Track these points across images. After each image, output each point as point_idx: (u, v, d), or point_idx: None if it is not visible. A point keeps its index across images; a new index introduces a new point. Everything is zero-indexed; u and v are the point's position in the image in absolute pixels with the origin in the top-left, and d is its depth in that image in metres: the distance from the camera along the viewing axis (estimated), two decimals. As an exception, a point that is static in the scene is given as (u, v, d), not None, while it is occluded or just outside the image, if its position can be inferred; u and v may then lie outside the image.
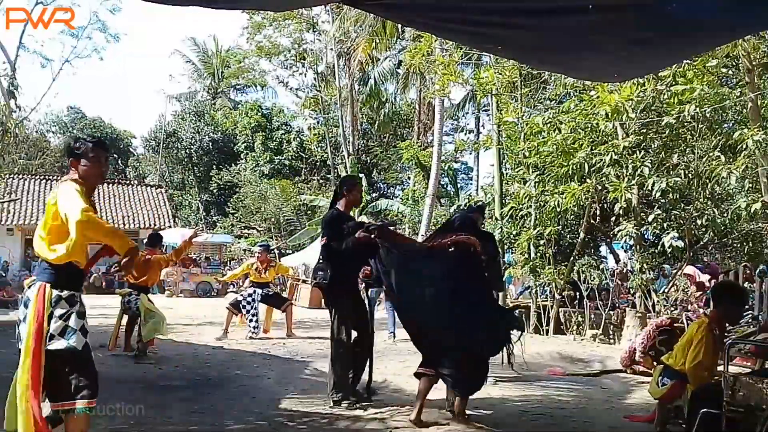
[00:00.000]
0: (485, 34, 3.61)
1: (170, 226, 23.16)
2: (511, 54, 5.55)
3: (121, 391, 4.83)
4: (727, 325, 4.33)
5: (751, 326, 5.66)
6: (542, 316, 9.93)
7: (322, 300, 5.17)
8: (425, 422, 4.28)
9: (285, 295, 13.41)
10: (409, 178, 27.57)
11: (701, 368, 3.90)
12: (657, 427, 4.26)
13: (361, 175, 25.08)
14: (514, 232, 10.49)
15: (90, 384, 2.90)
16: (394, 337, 8.94)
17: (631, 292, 9.38)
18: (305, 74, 32.98)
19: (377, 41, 22.87)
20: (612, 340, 9.09)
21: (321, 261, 4.94)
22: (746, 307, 5.75)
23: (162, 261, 7.37)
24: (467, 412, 4.52)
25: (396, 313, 4.95)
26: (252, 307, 8.96)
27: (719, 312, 4.11)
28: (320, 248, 5.05)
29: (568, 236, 11.17)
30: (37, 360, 2.85)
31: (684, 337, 4.18)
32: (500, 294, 6.70)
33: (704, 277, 9.81)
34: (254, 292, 9.04)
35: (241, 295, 9.33)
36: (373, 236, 4.53)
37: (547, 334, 9.66)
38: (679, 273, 9.20)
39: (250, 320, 8.94)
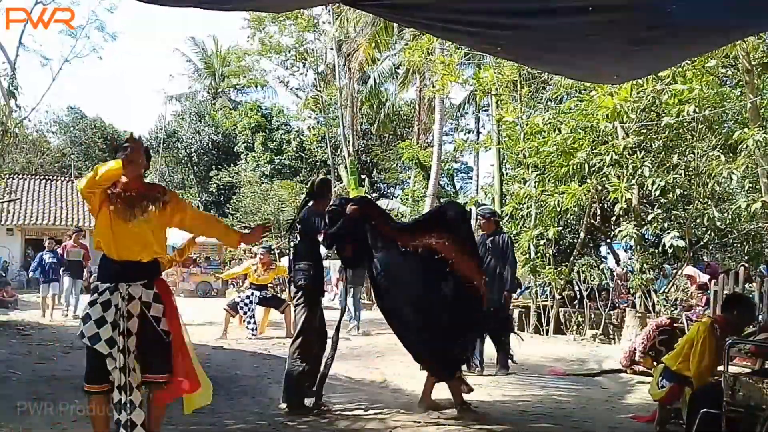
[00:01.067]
0: (485, 35, 3.61)
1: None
2: (510, 55, 5.54)
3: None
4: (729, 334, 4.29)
5: (752, 326, 5.66)
6: (542, 316, 9.94)
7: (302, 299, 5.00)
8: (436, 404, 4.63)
9: (284, 295, 13.33)
10: (409, 178, 27.57)
11: (708, 371, 3.90)
12: (657, 427, 4.26)
13: (363, 176, 25.10)
14: (514, 232, 10.50)
15: (85, 369, 3.23)
16: (358, 329, 9.27)
17: (631, 292, 9.38)
18: (305, 74, 33.01)
19: (378, 41, 22.85)
20: (612, 340, 9.10)
21: (301, 262, 4.84)
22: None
23: (165, 261, 7.35)
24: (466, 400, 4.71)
25: (377, 302, 4.95)
26: (249, 309, 9.02)
27: (728, 319, 4.09)
28: (300, 247, 4.93)
29: (569, 236, 11.18)
30: None
31: (685, 339, 4.18)
32: (510, 294, 6.62)
33: (704, 278, 9.81)
34: (252, 294, 9.11)
35: (239, 296, 9.37)
36: (357, 209, 4.61)
37: (547, 334, 9.67)
38: (679, 273, 9.20)
39: (248, 322, 9.00)
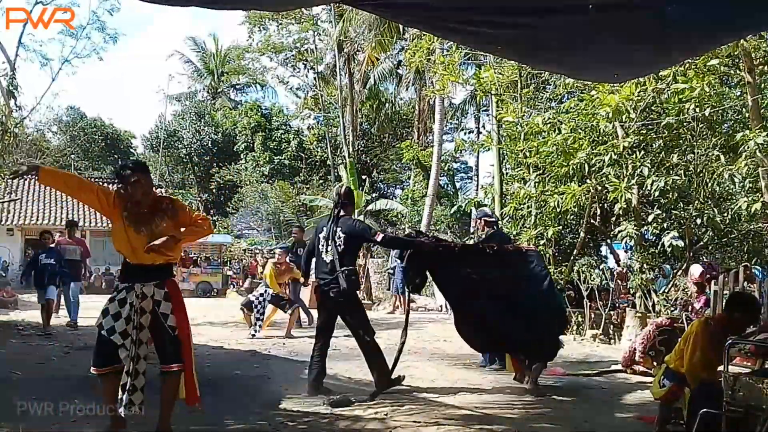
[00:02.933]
0: (485, 34, 3.61)
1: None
2: (511, 54, 5.55)
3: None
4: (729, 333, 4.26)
5: (752, 326, 5.65)
6: (542, 316, 9.91)
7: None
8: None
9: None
10: (409, 178, 27.60)
11: (699, 367, 3.87)
12: (657, 427, 4.26)
13: (363, 176, 25.12)
14: (514, 232, 10.49)
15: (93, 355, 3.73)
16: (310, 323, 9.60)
17: (631, 292, 9.38)
18: (306, 75, 33.02)
19: (381, 41, 22.82)
20: (612, 340, 9.09)
21: (349, 267, 5.29)
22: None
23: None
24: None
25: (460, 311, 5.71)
26: (261, 306, 9.07)
27: (729, 318, 4.06)
28: (346, 254, 5.28)
29: (569, 236, 11.16)
30: None
31: (682, 337, 4.17)
32: None
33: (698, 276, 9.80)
34: (265, 291, 9.15)
35: (254, 294, 9.39)
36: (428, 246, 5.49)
37: (547, 334, 9.65)
38: (679, 273, 9.19)
39: (258, 318, 9.04)
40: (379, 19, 19.59)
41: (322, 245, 5.36)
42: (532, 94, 11.62)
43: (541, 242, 9.96)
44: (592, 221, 10.14)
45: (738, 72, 8.56)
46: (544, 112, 10.54)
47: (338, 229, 5.29)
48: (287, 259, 9.71)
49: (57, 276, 9.10)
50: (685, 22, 3.05)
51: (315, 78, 30.46)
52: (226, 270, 22.96)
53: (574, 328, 9.62)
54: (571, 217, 10.42)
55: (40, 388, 5.08)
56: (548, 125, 9.88)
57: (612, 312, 9.42)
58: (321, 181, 29.98)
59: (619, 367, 6.76)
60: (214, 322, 10.30)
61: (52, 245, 9.49)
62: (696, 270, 8.19)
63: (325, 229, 5.40)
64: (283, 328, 9.32)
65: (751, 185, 8.62)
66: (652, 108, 8.96)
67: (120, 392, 3.62)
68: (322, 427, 4.26)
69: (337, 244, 5.26)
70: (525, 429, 4.42)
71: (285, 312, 9.33)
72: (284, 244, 13.21)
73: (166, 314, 3.67)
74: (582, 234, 10.22)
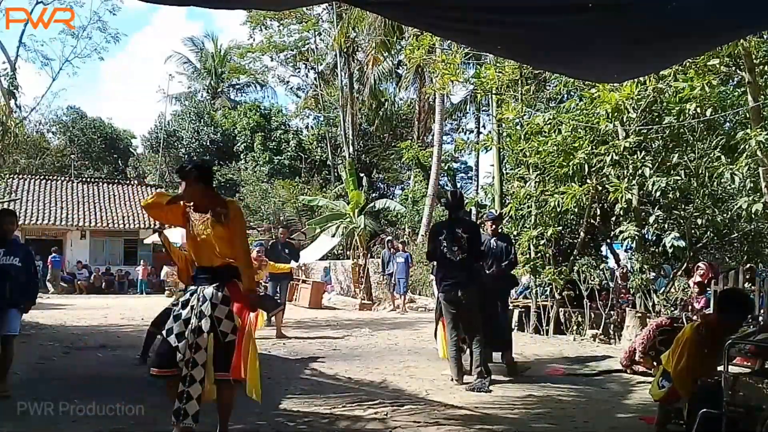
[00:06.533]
0: (486, 33, 3.61)
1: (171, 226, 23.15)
2: (511, 53, 5.54)
3: (122, 391, 4.84)
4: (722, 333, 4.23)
5: (751, 326, 5.65)
6: (542, 316, 9.92)
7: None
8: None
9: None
10: (409, 178, 27.60)
11: (685, 373, 3.83)
12: (657, 427, 4.25)
13: (362, 175, 25.14)
14: (514, 232, 10.49)
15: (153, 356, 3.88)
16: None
17: (631, 292, 9.37)
18: (306, 75, 33.02)
19: (381, 41, 22.80)
20: (612, 340, 9.08)
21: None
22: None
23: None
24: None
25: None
26: None
27: (719, 318, 4.04)
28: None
29: (568, 236, 11.15)
30: None
31: (675, 340, 4.15)
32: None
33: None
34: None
35: None
36: None
37: (547, 334, 9.66)
38: (679, 273, 9.18)
39: None
40: (381, 19, 19.60)
41: (446, 247, 5.71)
42: (533, 93, 11.60)
43: (541, 242, 9.95)
44: (592, 221, 10.13)
45: (738, 72, 8.55)
46: (545, 112, 10.52)
47: (459, 230, 5.72)
48: (263, 255, 9.68)
49: (24, 290, 5.25)
50: (685, 22, 3.05)
51: (315, 78, 30.46)
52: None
53: (574, 328, 9.61)
54: (571, 217, 10.40)
55: (40, 388, 5.08)
56: (548, 125, 9.87)
57: (612, 312, 9.42)
58: (321, 182, 29.96)
59: (619, 367, 6.76)
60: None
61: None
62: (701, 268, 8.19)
63: (445, 231, 5.77)
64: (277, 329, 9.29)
65: (751, 185, 8.62)
66: (653, 108, 8.94)
67: (177, 401, 3.50)
68: (322, 427, 4.26)
69: (462, 243, 5.66)
70: (525, 429, 4.43)
71: (269, 314, 9.32)
72: (259, 242, 13.04)
73: (221, 319, 3.55)
74: (582, 234, 10.20)
